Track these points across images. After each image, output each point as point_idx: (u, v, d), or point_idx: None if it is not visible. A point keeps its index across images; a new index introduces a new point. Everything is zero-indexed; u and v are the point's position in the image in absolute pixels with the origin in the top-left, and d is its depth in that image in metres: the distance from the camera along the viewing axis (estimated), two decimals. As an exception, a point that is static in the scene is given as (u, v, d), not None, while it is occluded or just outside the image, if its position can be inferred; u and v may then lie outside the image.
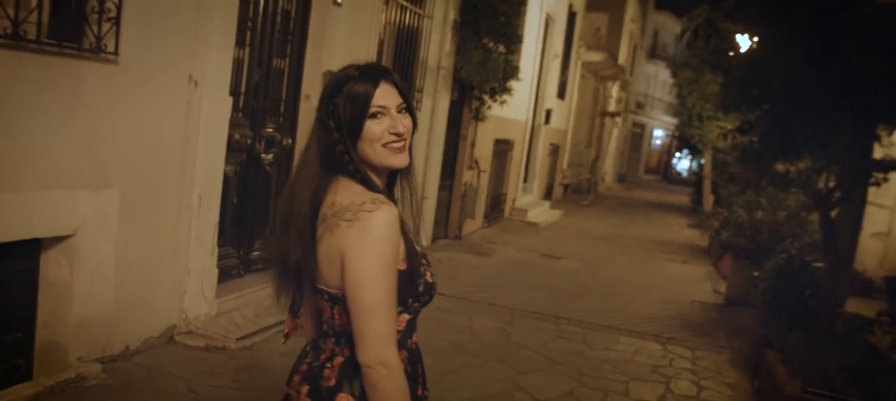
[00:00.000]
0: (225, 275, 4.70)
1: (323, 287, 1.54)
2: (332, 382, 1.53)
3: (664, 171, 37.91)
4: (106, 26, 3.43)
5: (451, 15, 7.84)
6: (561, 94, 14.73)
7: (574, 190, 17.85)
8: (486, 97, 8.76)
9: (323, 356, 1.58)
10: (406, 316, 1.58)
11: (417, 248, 1.58)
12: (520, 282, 7.21)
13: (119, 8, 3.46)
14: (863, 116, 4.52)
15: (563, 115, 15.49)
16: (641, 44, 30.54)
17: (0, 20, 2.95)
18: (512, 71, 8.81)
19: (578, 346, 5.30)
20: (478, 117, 9.00)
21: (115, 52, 3.50)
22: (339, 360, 1.55)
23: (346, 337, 1.52)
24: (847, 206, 4.92)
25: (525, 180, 12.80)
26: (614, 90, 22.94)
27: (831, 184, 5.13)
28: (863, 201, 5.04)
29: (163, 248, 4.09)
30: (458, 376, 4.32)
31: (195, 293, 4.30)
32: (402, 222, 1.53)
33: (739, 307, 6.91)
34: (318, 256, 1.52)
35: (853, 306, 5.13)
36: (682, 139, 17.12)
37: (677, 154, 37.47)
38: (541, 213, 12.37)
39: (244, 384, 3.85)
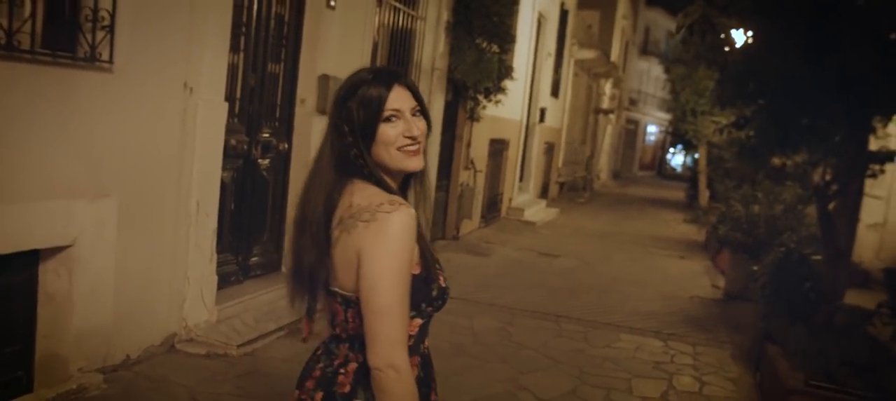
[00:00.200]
0: (224, 281, 4.68)
1: (337, 290, 1.53)
2: (347, 388, 1.52)
3: (659, 167, 37.98)
4: (100, 34, 3.41)
5: (444, 16, 7.82)
6: (555, 92, 14.74)
7: (570, 188, 17.87)
8: (480, 97, 8.75)
9: (337, 361, 1.57)
10: (419, 321, 1.57)
11: (431, 252, 1.57)
12: (519, 281, 7.21)
13: (113, 16, 3.45)
14: (859, 108, 4.53)
15: (558, 113, 15.50)
16: (633, 40, 30.59)
17: (-6, 31, 2.94)
18: (506, 70, 8.81)
19: (579, 344, 5.30)
20: (473, 118, 8.99)
21: (110, 60, 3.48)
22: (352, 366, 1.54)
23: (360, 341, 1.51)
24: (844, 198, 4.93)
25: (521, 179, 12.80)
26: (607, 87, 22.97)
27: (828, 177, 5.14)
28: (860, 193, 5.05)
29: (162, 255, 4.07)
30: (460, 378, 4.31)
31: (195, 300, 4.28)
32: (418, 226, 1.52)
33: (739, 302, 6.93)
34: (333, 259, 1.51)
35: (852, 297, 5.14)
36: (676, 135, 17.14)
37: (671, 150, 37.53)
38: (537, 212, 12.37)
39: (246, 391, 3.83)
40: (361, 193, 1.51)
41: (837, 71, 4.29)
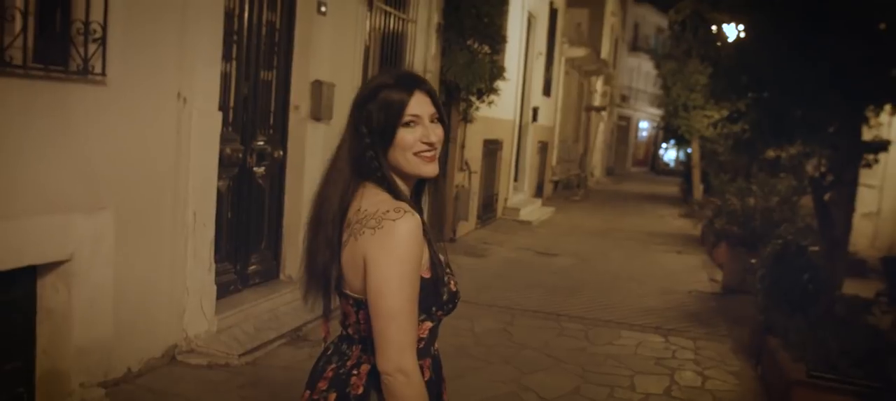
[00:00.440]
0: (223, 291, 4.66)
1: (348, 292, 1.56)
2: (361, 390, 1.55)
3: (652, 162, 38.07)
4: (92, 47, 3.39)
5: (435, 18, 7.82)
6: (546, 91, 14.76)
7: (564, 186, 17.88)
8: (473, 99, 8.75)
9: (349, 363, 1.59)
10: (429, 324, 1.59)
11: (441, 257, 1.59)
12: (517, 281, 7.20)
13: (104, 28, 3.43)
14: (851, 99, 4.55)
15: (550, 112, 15.52)
16: (622, 37, 30.67)
17: (-14, 47, 2.92)
18: (498, 71, 8.81)
19: (581, 342, 5.30)
20: (466, 119, 8.99)
21: (103, 73, 3.46)
22: (365, 367, 1.56)
23: (372, 343, 1.52)
24: (840, 189, 4.95)
25: (516, 179, 12.80)
26: (599, 85, 23.03)
27: (823, 168, 5.17)
28: (855, 183, 5.07)
29: (160, 267, 4.05)
30: (463, 381, 4.31)
31: (195, 311, 4.26)
32: (427, 231, 1.53)
33: (737, 295, 6.93)
34: (342, 262, 1.53)
35: (849, 287, 5.16)
36: (669, 130, 17.18)
37: (664, 145, 37.64)
38: (533, 211, 12.37)
39: (250, 400, 3.81)
40: (370, 199, 1.53)
41: (829, 62, 4.31)
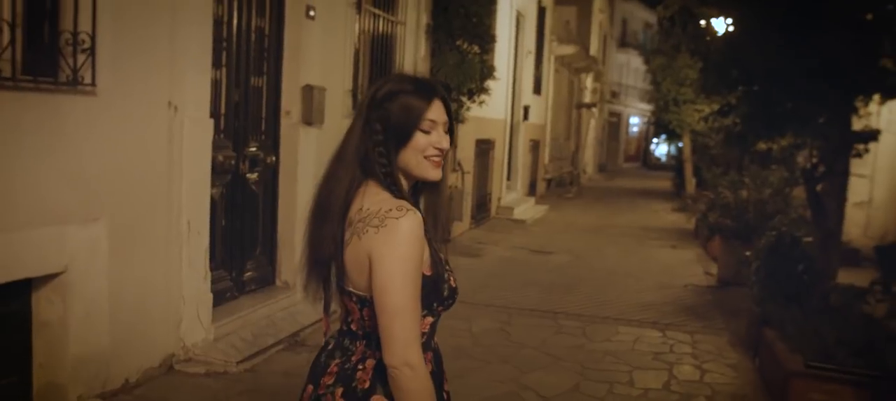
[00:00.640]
0: (219, 298, 4.65)
1: (352, 290, 1.60)
2: (367, 384, 1.59)
3: (643, 157, 38.17)
4: (81, 58, 3.38)
5: (424, 19, 7.82)
6: (537, 89, 14.77)
7: (557, 184, 17.90)
8: (464, 99, 8.74)
9: (354, 358, 1.63)
10: (430, 319, 1.65)
11: (440, 254, 1.64)
12: (514, 280, 7.21)
13: (93, 38, 3.41)
14: (840, 90, 4.58)
15: (541, 110, 15.54)
16: (611, 34, 30.72)
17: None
18: (488, 71, 8.80)
19: (579, 340, 5.31)
20: (458, 119, 8.97)
21: (93, 83, 3.45)
22: (371, 362, 1.60)
23: (377, 339, 1.56)
24: (831, 179, 4.98)
25: (508, 178, 12.81)
26: (589, 82, 23.06)
27: (814, 159, 5.19)
28: (846, 173, 5.09)
29: (155, 276, 4.03)
30: (463, 381, 4.30)
31: (191, 320, 4.25)
32: (427, 230, 1.58)
33: (732, 287, 6.96)
34: (345, 260, 1.57)
35: (844, 276, 5.19)
36: (659, 124, 17.24)
37: (655, 140, 37.75)
38: (527, 209, 12.38)
39: (248, 408, 3.80)
40: (372, 198, 1.57)
41: (818, 54, 4.33)
